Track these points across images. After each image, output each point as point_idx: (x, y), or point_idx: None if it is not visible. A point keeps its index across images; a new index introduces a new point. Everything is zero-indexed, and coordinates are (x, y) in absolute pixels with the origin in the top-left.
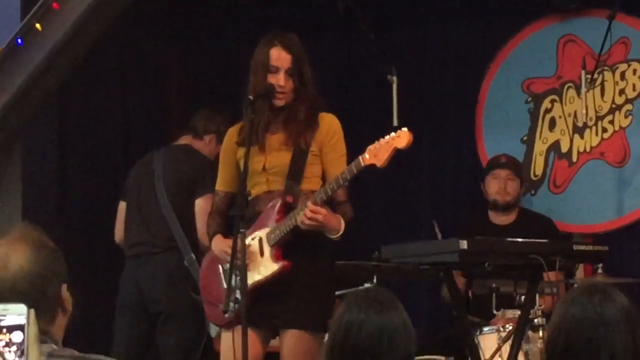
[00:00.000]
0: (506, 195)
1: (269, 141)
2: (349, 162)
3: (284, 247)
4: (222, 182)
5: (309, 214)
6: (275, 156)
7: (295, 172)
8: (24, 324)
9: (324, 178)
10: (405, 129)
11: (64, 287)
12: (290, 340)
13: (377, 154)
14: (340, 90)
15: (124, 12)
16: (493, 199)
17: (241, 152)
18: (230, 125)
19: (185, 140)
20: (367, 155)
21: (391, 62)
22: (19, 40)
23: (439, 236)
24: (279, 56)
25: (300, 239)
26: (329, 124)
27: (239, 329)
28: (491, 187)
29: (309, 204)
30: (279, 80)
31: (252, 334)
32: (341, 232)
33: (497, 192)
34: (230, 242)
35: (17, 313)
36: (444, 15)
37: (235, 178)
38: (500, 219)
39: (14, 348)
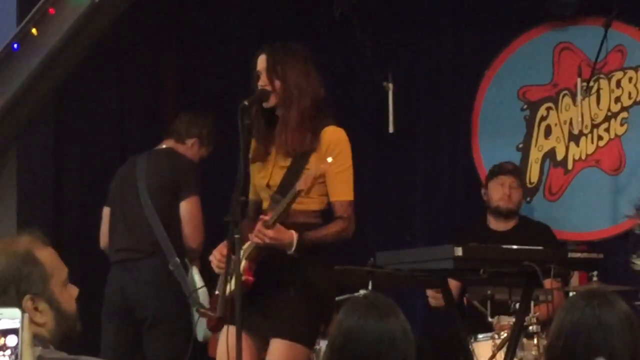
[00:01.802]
0: (509, 203)
1: (272, 157)
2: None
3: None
4: (250, 191)
5: (255, 232)
6: (276, 173)
7: (285, 187)
8: (18, 328)
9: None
10: (329, 159)
11: (27, 297)
12: (277, 350)
13: (306, 180)
14: (336, 97)
15: (119, 17)
16: (496, 204)
17: (252, 167)
18: (213, 129)
19: (167, 144)
20: (300, 182)
21: (387, 69)
22: (15, 45)
23: None
24: (259, 60)
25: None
26: (330, 138)
27: (232, 331)
28: (495, 193)
29: (258, 224)
30: (262, 81)
31: (246, 339)
32: (294, 248)
33: (501, 198)
34: (223, 247)
35: (11, 317)
36: (440, 22)
37: (255, 187)
38: (499, 225)
39: (8, 352)
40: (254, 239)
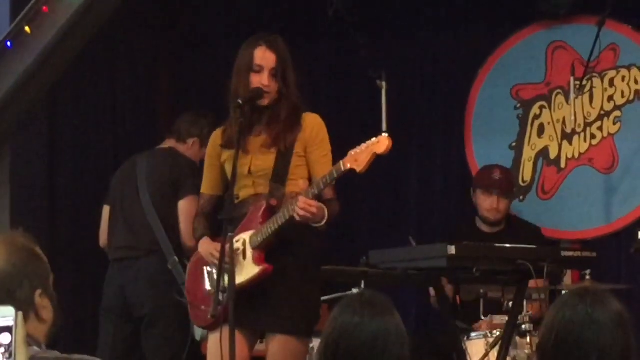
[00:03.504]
0: (497, 214)
1: (253, 144)
2: (334, 163)
3: (269, 251)
4: (207, 185)
5: (301, 205)
6: (260, 159)
7: (280, 174)
8: (12, 326)
9: (310, 179)
10: (385, 134)
11: (38, 293)
12: (276, 345)
13: (357, 159)
14: (329, 95)
15: (113, 15)
16: (484, 215)
17: (226, 154)
18: (214, 129)
19: (168, 143)
20: (347, 160)
21: (381, 68)
22: (9, 43)
23: None
24: (264, 56)
25: (286, 243)
26: (312, 124)
27: (225, 331)
28: (483, 203)
29: (301, 197)
30: (263, 79)
31: (238, 337)
32: (325, 221)
33: (489, 210)
34: (217, 244)
35: (4, 315)
36: (434, 21)
37: (220, 181)
38: (486, 227)
39: (1, 350)
40: (300, 212)
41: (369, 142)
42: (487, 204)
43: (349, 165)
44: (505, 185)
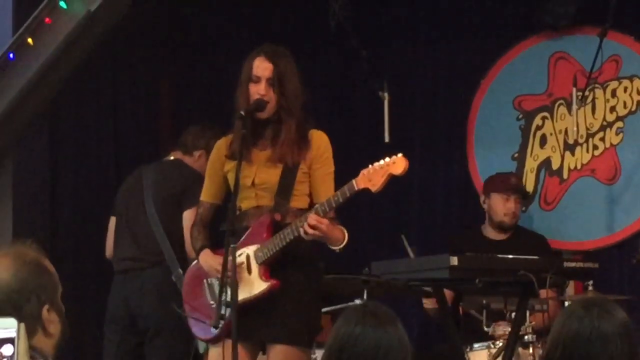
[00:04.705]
0: (514, 218)
1: (258, 156)
2: (337, 179)
3: (272, 264)
4: (208, 194)
5: (312, 222)
6: (264, 172)
7: (285, 189)
8: (14, 337)
9: (311, 196)
10: (401, 155)
11: (45, 308)
12: (277, 355)
13: (371, 178)
14: (332, 106)
15: (115, 27)
16: (500, 220)
17: (229, 165)
18: None
19: (175, 155)
20: (360, 179)
21: (383, 79)
22: (11, 55)
23: (409, 250)
24: (261, 65)
25: (288, 255)
26: (319, 142)
27: (228, 344)
28: (500, 207)
29: (311, 214)
30: (260, 89)
31: (240, 350)
32: (345, 243)
33: (507, 214)
34: (219, 258)
35: (6, 327)
36: (436, 32)
37: (220, 190)
38: (494, 234)
39: None
40: (309, 230)
41: (383, 163)
42: (506, 207)
43: (362, 185)
44: (522, 190)
